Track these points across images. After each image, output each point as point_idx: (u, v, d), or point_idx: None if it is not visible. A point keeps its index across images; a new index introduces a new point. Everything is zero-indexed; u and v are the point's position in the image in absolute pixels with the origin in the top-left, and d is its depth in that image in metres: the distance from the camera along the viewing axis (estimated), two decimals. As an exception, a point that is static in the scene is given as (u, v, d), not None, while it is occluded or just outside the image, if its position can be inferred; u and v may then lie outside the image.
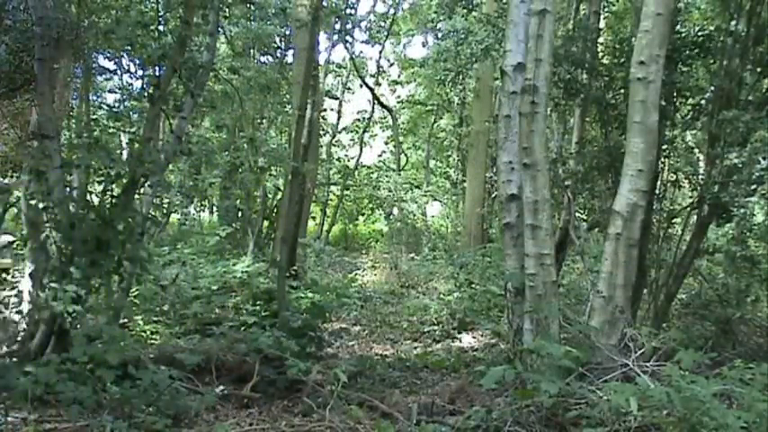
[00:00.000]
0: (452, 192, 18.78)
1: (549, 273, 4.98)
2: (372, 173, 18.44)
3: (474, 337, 8.37)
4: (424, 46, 19.85)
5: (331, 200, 19.85)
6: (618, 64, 7.06)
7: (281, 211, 11.20)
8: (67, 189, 5.22)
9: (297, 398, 4.98)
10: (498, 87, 9.64)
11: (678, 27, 6.61)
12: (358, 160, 19.81)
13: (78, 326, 4.94)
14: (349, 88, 19.39)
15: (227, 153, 11.75)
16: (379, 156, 21.92)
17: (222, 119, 12.76)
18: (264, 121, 13.39)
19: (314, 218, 18.70)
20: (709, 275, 7.91)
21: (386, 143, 22.37)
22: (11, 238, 7.82)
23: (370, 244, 20.01)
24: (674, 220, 7.18)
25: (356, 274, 13.40)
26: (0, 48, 7.27)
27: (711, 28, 6.91)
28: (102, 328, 4.78)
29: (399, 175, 18.80)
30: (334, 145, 20.12)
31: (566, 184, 7.47)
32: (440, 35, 14.98)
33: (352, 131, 20.57)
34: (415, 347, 7.78)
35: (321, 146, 16.30)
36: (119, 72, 8.97)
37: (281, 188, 12.61)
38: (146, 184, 5.39)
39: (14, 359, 4.94)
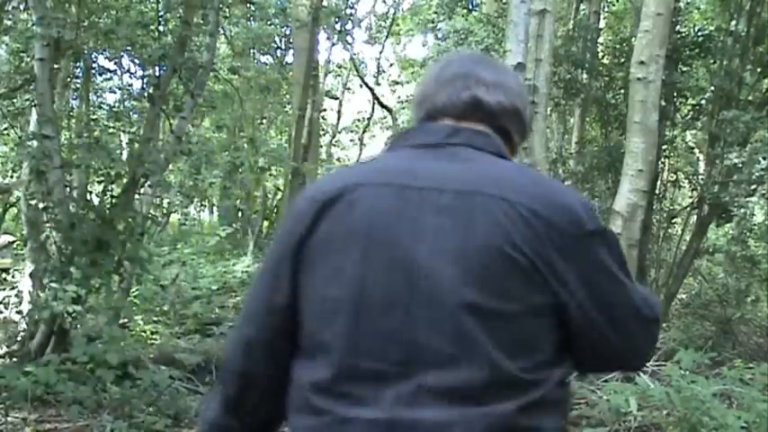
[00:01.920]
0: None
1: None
2: (372, 173, 18.40)
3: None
4: (423, 46, 19.81)
5: (331, 200, 19.83)
6: (618, 64, 7.06)
7: (281, 211, 11.20)
8: (67, 189, 5.22)
9: (297, 398, 4.97)
10: (498, 87, 9.61)
11: (678, 27, 6.61)
12: (358, 160, 19.80)
13: (78, 326, 4.94)
14: (349, 88, 19.37)
15: (227, 153, 11.74)
16: (379, 156, 21.93)
17: (222, 119, 12.75)
18: (264, 121, 13.38)
19: (314, 218, 18.66)
20: (709, 275, 7.91)
21: (386, 143, 22.37)
22: (11, 238, 7.82)
23: (370, 244, 19.98)
24: (674, 220, 7.19)
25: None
26: (0, 48, 7.28)
27: (711, 28, 6.91)
28: (102, 328, 4.78)
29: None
30: (334, 145, 20.11)
31: (566, 184, 7.47)
32: (440, 35, 14.97)
33: (352, 131, 20.57)
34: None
35: (321, 146, 16.30)
36: (119, 72, 8.96)
37: (281, 188, 12.61)
38: (146, 184, 5.38)
39: (14, 359, 4.94)
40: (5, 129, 8.54)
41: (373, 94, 19.11)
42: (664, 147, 6.52)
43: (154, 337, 6.58)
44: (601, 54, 7.83)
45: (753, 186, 6.21)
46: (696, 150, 8.26)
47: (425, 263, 0.96)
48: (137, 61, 7.43)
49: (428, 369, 0.94)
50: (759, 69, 6.44)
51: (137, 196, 5.29)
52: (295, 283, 1.05)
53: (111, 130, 10.05)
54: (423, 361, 0.94)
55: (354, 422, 0.95)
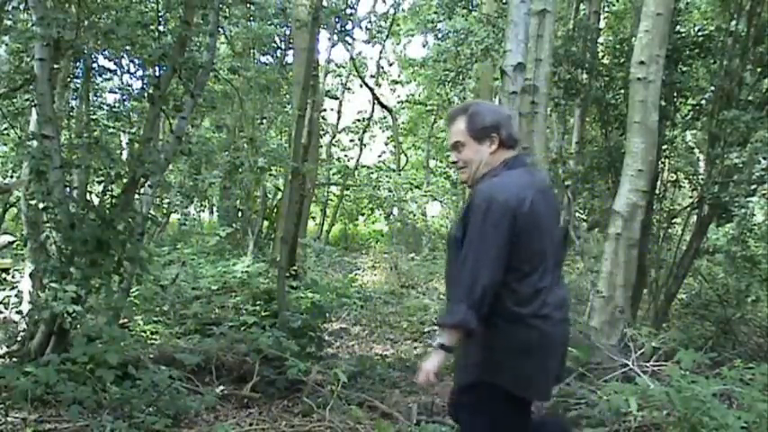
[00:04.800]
0: (452, 192, 18.77)
1: (549, 273, 4.98)
2: (372, 173, 18.42)
3: (474, 337, 8.34)
4: (424, 46, 19.81)
5: (331, 200, 19.83)
6: (618, 64, 7.06)
7: (281, 211, 11.18)
8: (67, 189, 5.21)
9: (297, 398, 4.97)
10: (498, 87, 9.63)
11: (678, 27, 6.61)
12: (358, 160, 19.80)
13: (78, 326, 4.93)
14: (349, 88, 19.36)
15: (227, 153, 11.73)
16: (379, 156, 21.92)
17: (222, 119, 12.74)
18: (264, 121, 13.37)
19: (314, 218, 18.68)
20: (709, 275, 7.90)
21: (386, 143, 22.36)
22: (11, 238, 7.82)
23: (370, 244, 19.99)
24: (674, 220, 7.18)
25: (356, 275, 13.39)
26: (0, 48, 7.28)
27: (711, 28, 6.91)
28: (102, 328, 4.77)
29: (399, 175, 18.79)
30: (335, 145, 20.10)
31: (566, 184, 7.47)
32: (440, 35, 14.99)
33: (352, 131, 20.55)
34: (415, 347, 7.77)
35: (321, 146, 16.29)
36: (119, 72, 8.95)
37: (281, 188, 12.60)
38: (146, 184, 5.38)
39: (14, 359, 4.94)
40: (5, 129, 8.55)
41: (373, 94, 19.10)
42: (664, 147, 6.51)
43: (154, 337, 6.58)
44: (601, 54, 7.83)
45: (753, 186, 6.21)
46: (696, 150, 8.26)
47: (552, 224, 2.41)
48: (137, 61, 7.43)
49: (558, 268, 2.44)
50: (759, 69, 6.42)
51: (137, 196, 5.29)
52: (511, 242, 2.24)
53: (111, 130, 10.06)
54: (559, 264, 2.44)
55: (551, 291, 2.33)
